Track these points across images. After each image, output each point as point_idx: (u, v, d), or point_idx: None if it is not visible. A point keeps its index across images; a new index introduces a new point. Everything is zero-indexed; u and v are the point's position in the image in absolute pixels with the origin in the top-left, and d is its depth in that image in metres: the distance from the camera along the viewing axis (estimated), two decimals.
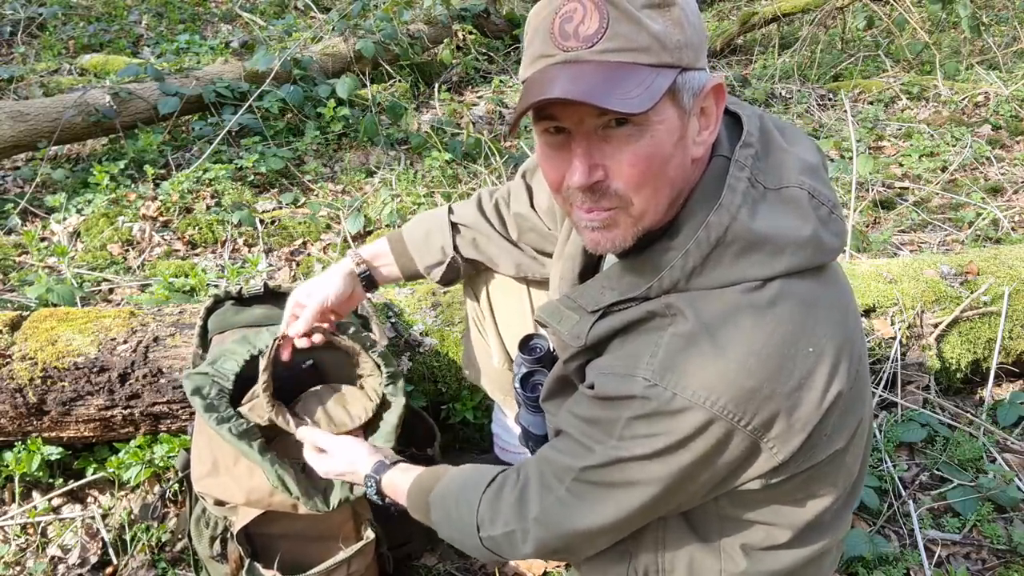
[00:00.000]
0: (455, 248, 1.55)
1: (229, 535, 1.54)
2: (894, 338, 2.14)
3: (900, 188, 3.53)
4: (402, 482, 1.31)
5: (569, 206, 1.02)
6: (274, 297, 1.82)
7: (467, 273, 1.62)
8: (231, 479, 1.47)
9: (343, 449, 1.42)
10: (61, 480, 1.96)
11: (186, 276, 2.72)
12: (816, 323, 0.96)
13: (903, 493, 1.95)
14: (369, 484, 1.35)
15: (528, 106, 0.91)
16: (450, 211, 1.57)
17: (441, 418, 2.00)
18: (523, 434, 1.44)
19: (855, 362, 1.01)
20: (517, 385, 1.40)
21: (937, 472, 2.03)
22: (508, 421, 1.83)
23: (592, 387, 1.03)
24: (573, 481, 1.04)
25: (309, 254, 3.03)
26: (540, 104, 0.91)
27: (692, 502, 1.07)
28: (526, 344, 1.44)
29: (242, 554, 1.51)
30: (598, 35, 0.90)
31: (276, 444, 1.51)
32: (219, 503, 1.52)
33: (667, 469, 0.97)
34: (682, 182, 1.00)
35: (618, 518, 1.04)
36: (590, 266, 1.24)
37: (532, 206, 1.50)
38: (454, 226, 1.55)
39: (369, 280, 1.56)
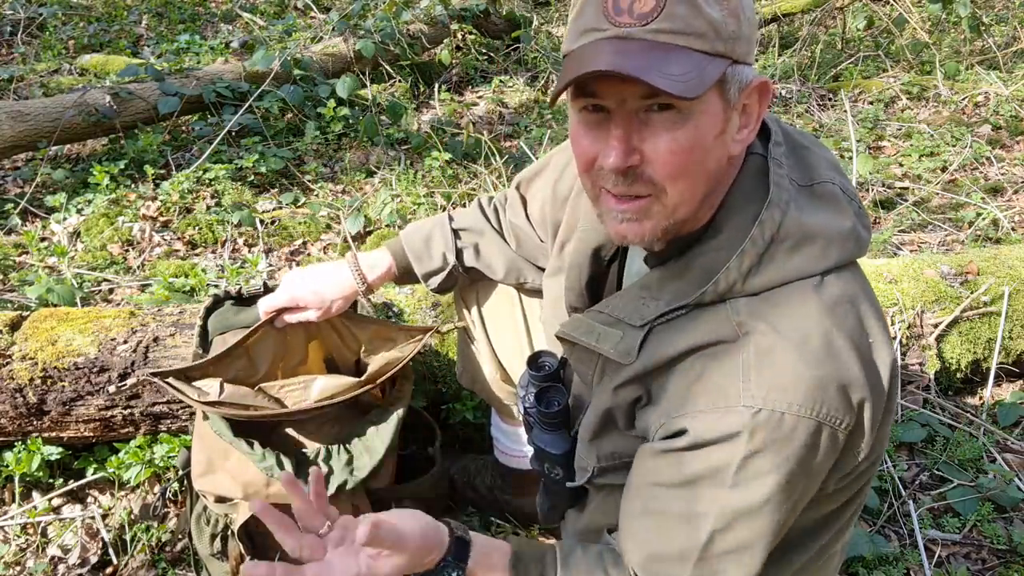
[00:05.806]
0: (458, 256, 1.52)
1: (230, 532, 1.55)
2: (894, 338, 2.14)
3: (900, 188, 3.52)
4: (498, 551, 1.10)
5: (597, 189, 0.98)
6: None
7: (463, 284, 1.60)
8: (225, 474, 1.48)
9: (412, 523, 1.07)
10: (61, 480, 1.96)
11: (186, 276, 2.72)
12: (868, 311, 0.98)
13: (903, 493, 1.95)
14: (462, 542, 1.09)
15: (574, 78, 0.86)
16: (450, 218, 1.55)
17: (441, 418, 2.00)
18: (537, 455, 1.27)
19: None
20: (529, 404, 1.28)
21: (937, 472, 2.03)
22: (505, 425, 1.82)
23: (680, 434, 0.95)
24: (699, 561, 0.97)
25: (309, 254, 3.04)
26: (584, 78, 0.86)
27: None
28: (534, 362, 1.36)
29: (243, 551, 1.51)
30: (653, 13, 0.85)
31: (273, 437, 1.52)
32: (220, 500, 1.52)
33: (789, 496, 0.94)
34: (717, 179, 0.97)
35: (757, 569, 0.98)
36: (598, 275, 1.20)
37: (527, 217, 1.47)
38: (455, 232, 1.53)
39: (368, 290, 1.54)
